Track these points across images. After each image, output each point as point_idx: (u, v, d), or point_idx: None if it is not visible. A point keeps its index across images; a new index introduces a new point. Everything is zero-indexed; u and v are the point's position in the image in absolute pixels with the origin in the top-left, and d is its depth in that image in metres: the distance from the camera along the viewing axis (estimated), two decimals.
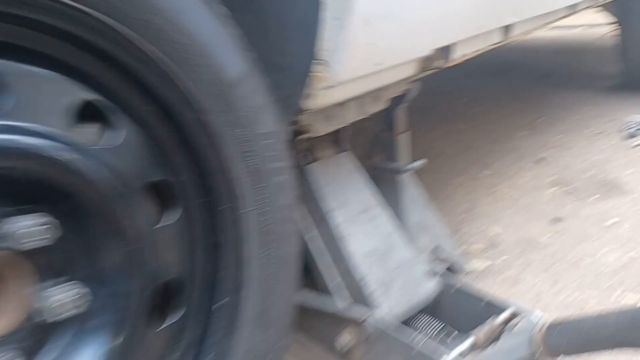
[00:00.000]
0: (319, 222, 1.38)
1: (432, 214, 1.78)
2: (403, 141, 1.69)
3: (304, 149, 1.40)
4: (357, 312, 1.28)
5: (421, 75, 1.55)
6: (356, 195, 1.42)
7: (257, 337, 0.93)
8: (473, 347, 1.19)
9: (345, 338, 1.29)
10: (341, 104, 1.28)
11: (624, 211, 2.20)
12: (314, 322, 1.36)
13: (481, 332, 1.21)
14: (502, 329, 1.23)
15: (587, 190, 2.42)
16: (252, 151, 0.92)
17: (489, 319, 1.25)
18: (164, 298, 0.87)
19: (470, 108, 3.78)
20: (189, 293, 0.92)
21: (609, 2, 3.57)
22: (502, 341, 1.15)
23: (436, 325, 1.39)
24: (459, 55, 1.47)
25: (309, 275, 1.53)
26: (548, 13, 1.92)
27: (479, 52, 1.76)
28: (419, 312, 1.43)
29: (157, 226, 0.84)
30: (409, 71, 1.34)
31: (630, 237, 2.02)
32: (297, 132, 1.37)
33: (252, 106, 0.92)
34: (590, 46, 5.45)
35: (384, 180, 1.68)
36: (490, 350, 1.17)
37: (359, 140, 1.72)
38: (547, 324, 1.05)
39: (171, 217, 0.87)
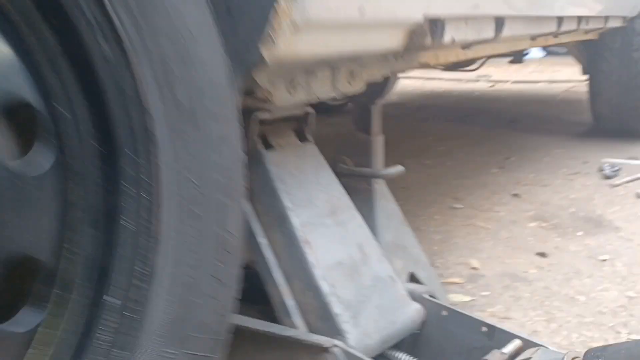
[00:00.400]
0: (274, 223, 1.08)
1: (409, 234, 1.50)
2: (378, 144, 1.43)
3: (259, 133, 1.11)
4: (320, 338, 0.97)
5: (405, 62, 1.30)
6: (322, 194, 1.13)
7: (167, 357, 0.61)
8: None
9: None
10: (309, 71, 1.01)
11: (614, 248, 1.98)
12: (258, 352, 1.04)
13: None
14: None
15: (571, 226, 2.20)
16: (180, 77, 0.63)
17: (491, 354, 0.96)
18: (17, 286, 0.55)
19: (437, 147, 3.60)
20: (62, 282, 0.59)
21: (580, 49, 3.50)
22: None
23: None
24: (449, 39, 1.23)
25: (258, 303, 1.22)
26: (537, 19, 1.73)
27: (469, 49, 1.54)
28: (394, 347, 1.12)
29: (7, 173, 0.53)
30: (393, 40, 1.08)
31: (626, 275, 1.78)
32: (251, 110, 1.08)
33: (182, 11, 0.63)
34: (554, 99, 5.44)
35: (355, 190, 1.40)
36: None
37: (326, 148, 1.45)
38: (585, 353, 0.77)
39: (36, 165, 0.56)
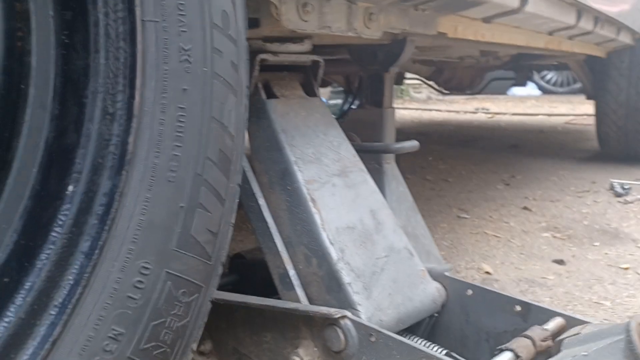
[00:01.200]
0: (275, 182, 0.93)
1: (420, 222, 1.36)
2: (390, 117, 1.30)
3: (262, 80, 0.98)
4: (328, 309, 0.81)
5: (423, 24, 1.18)
6: (331, 153, 0.99)
7: (143, 273, 0.46)
8: None
9: (306, 351, 0.81)
10: None
11: (635, 258, 1.84)
12: (254, 334, 0.88)
13: (521, 345, 0.76)
14: (551, 344, 0.78)
15: (586, 237, 2.06)
16: None
17: (530, 330, 0.81)
18: None
19: (437, 165, 3.50)
20: (16, 168, 0.45)
21: (586, 70, 3.43)
22: (566, 354, 0.70)
23: (437, 350, 0.92)
24: None
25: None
26: (560, 2, 1.62)
27: (489, 25, 1.43)
28: (408, 331, 0.96)
29: None
30: None
31: None
32: (254, 51, 0.95)
33: None
34: (555, 129, 5.38)
35: None
36: None
37: None
38: None
39: None
